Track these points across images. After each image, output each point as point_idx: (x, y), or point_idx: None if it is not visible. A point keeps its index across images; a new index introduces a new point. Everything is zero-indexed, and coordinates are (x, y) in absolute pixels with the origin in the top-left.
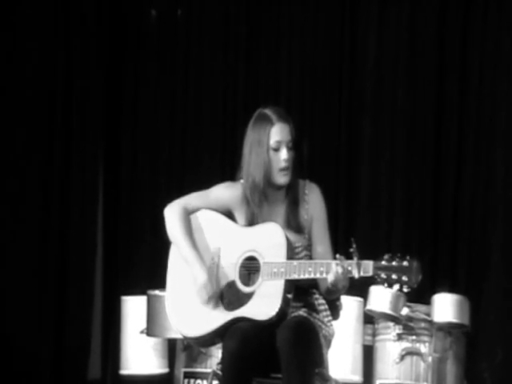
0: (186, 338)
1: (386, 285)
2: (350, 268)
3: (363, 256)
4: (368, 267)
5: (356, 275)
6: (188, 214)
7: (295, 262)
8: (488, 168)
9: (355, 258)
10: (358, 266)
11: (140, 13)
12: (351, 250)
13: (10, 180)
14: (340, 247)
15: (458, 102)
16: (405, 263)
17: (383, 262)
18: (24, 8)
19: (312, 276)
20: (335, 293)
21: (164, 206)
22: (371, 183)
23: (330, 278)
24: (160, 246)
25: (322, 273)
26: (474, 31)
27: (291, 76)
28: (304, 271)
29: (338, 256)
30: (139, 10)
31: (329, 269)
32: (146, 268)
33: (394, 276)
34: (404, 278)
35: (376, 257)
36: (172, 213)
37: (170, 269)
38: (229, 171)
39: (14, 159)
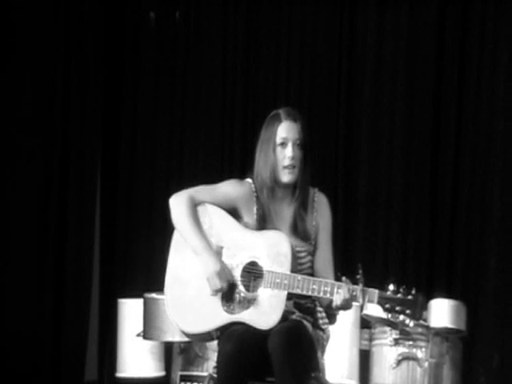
0: (182, 331)
1: (389, 315)
2: (354, 293)
3: (361, 258)
4: (373, 296)
5: (360, 302)
6: (195, 204)
7: (299, 277)
8: (485, 175)
9: (361, 285)
10: (363, 293)
11: (139, 15)
12: (357, 276)
13: (7, 186)
14: (337, 252)
15: (457, 100)
16: (409, 297)
17: (388, 293)
18: (23, 13)
19: (315, 294)
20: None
21: (161, 208)
22: (369, 190)
23: (337, 301)
24: (157, 248)
25: (325, 293)
26: (473, 26)
27: (290, 76)
28: (308, 288)
29: (344, 279)
30: (138, 12)
31: (333, 289)
32: (143, 271)
33: (397, 308)
34: (408, 312)
35: (373, 262)
36: (179, 200)
37: (170, 262)
38: (227, 168)
39: (13, 160)
